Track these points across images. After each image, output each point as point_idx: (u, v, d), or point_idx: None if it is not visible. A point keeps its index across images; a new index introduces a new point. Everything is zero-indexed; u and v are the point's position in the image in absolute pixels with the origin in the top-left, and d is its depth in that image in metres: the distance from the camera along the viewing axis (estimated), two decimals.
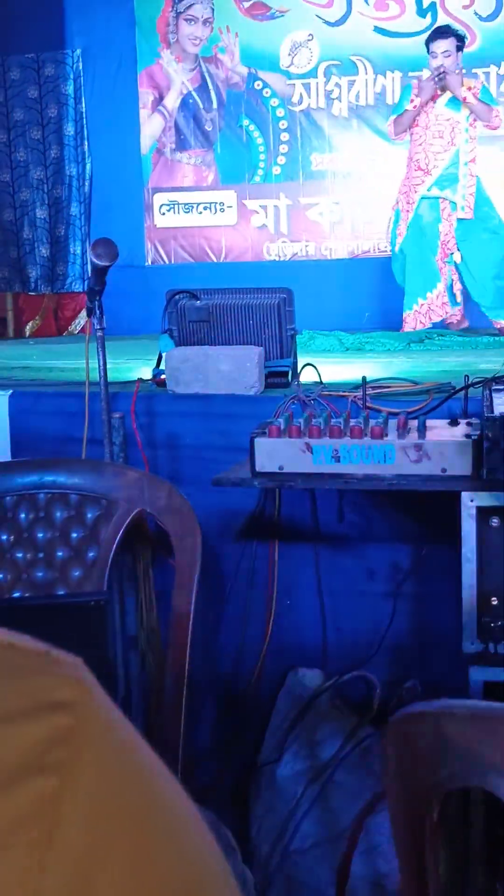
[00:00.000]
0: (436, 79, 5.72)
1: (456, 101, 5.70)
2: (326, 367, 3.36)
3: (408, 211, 5.74)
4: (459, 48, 5.83)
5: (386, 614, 2.83)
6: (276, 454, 2.20)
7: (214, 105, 7.29)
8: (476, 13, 6.81)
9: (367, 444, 2.14)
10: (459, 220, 5.67)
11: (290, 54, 7.13)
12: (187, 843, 0.54)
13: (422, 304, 5.63)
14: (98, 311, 2.73)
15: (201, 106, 7.30)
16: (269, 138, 7.20)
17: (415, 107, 5.76)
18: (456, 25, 6.14)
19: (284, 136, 7.18)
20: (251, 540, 2.96)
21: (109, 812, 0.49)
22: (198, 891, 0.53)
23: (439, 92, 5.75)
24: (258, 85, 7.19)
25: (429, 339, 5.26)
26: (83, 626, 1.95)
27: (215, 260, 7.30)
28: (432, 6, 6.86)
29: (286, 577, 2.94)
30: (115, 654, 2.86)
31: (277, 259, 7.22)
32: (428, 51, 5.85)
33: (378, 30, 6.97)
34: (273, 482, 2.25)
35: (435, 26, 6.28)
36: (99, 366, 2.73)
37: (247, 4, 7.14)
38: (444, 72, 5.69)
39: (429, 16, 6.88)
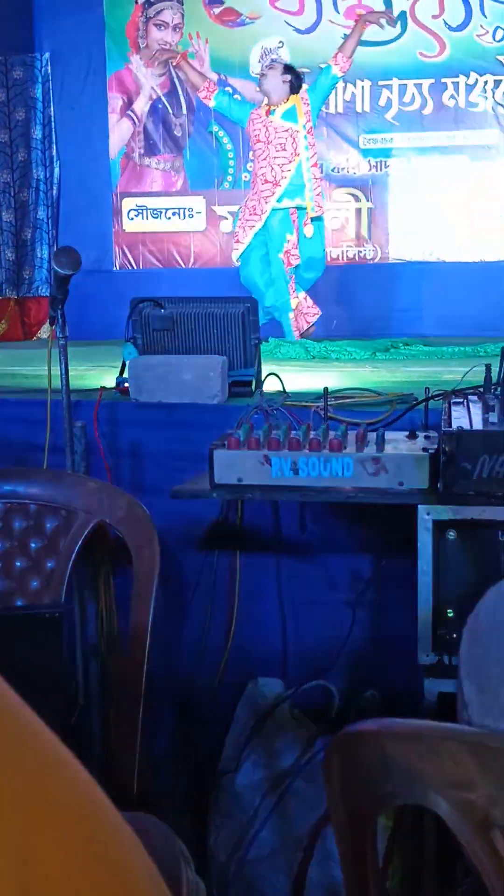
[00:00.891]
0: None
1: (292, 113, 5.78)
2: (292, 375, 3.37)
3: (252, 223, 5.79)
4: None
5: (346, 624, 2.84)
6: (234, 466, 2.20)
7: (184, 110, 7.30)
8: (445, 22, 6.86)
9: (325, 457, 2.16)
10: (313, 218, 5.78)
11: (260, 61, 7.15)
12: (84, 835, 0.54)
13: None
14: (60, 320, 2.73)
15: (170, 111, 7.31)
16: (238, 144, 7.21)
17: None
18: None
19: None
20: (213, 549, 2.97)
21: None
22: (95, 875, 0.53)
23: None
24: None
25: (394, 348, 5.29)
26: (39, 637, 1.96)
27: (183, 265, 7.31)
28: (402, 15, 6.91)
29: (248, 586, 2.95)
30: (75, 664, 2.86)
31: None
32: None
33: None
34: (232, 494, 2.26)
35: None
36: (61, 374, 2.73)
37: (217, 10, 7.15)
38: None
39: (398, 25, 6.92)
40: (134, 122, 7.36)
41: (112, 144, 7.39)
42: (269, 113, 5.81)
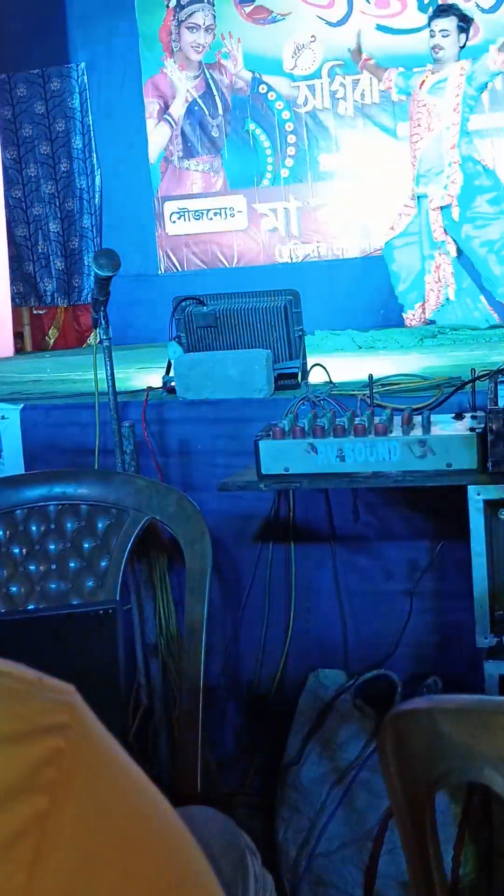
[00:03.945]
0: None
1: (437, 86, 5.65)
2: (340, 366, 3.34)
3: (408, 210, 5.71)
4: (462, 29, 5.77)
5: (404, 612, 2.82)
6: (281, 456, 2.20)
7: (220, 111, 7.30)
8: (478, 4, 6.78)
9: (370, 442, 2.14)
10: (443, 207, 5.62)
11: (293, 56, 7.13)
12: (173, 859, 0.55)
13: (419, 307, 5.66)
14: (103, 322, 2.75)
15: (207, 112, 7.32)
16: (275, 141, 7.20)
17: None
18: (462, 6, 6.06)
19: (291, 139, 7.19)
20: (267, 543, 2.96)
21: (97, 831, 0.50)
22: None
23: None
24: (263, 89, 7.20)
25: (441, 333, 5.24)
26: (94, 634, 1.96)
27: (227, 265, 7.31)
28: (433, 1, 6.84)
29: (304, 579, 2.94)
30: (136, 663, 2.87)
31: (289, 261, 7.22)
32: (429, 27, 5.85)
33: (380, 28, 6.95)
34: (279, 484, 2.25)
35: (439, 4, 6.26)
36: (107, 375, 2.74)
37: (248, 9, 7.15)
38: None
39: (430, 11, 6.85)
40: (171, 126, 7.39)
41: (151, 149, 7.42)
42: (421, 85, 5.65)
